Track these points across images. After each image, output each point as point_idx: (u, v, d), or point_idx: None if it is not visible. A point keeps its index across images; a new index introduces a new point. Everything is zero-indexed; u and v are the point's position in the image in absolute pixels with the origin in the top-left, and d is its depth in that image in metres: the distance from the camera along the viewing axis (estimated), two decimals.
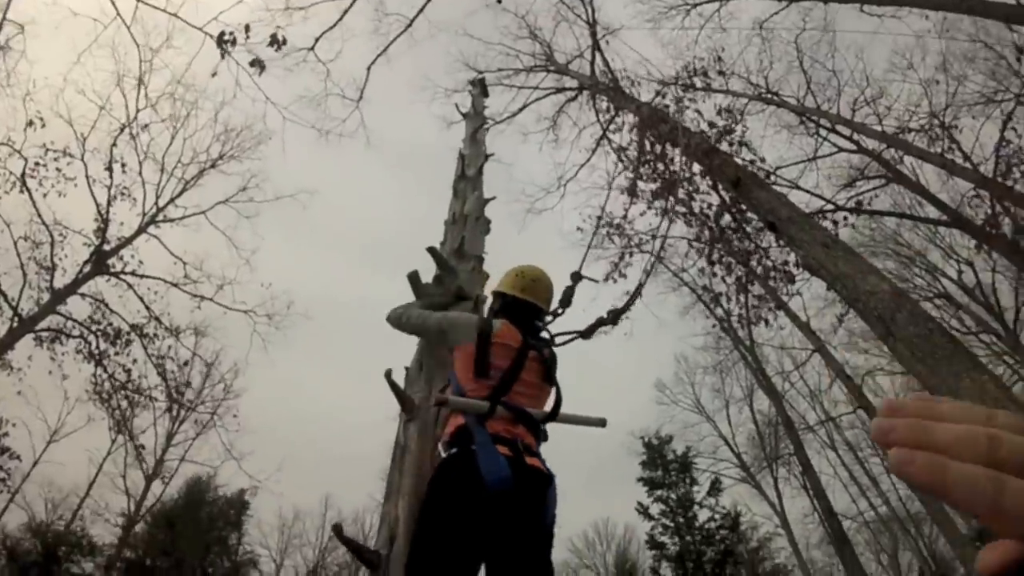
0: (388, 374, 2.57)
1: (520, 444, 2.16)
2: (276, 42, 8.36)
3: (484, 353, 2.38)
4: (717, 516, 19.64)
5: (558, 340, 2.65)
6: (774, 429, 23.96)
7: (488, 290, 3.15)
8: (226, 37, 7.92)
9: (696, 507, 19.82)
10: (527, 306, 2.66)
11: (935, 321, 5.43)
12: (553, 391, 2.47)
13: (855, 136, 15.00)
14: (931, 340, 5.12)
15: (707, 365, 26.05)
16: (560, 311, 2.83)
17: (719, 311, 19.67)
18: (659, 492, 20.64)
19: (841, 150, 15.58)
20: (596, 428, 2.48)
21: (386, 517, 2.27)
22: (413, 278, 3.08)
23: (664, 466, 21.12)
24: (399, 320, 2.78)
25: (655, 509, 20.33)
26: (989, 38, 15.05)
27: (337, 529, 2.10)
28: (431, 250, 3.38)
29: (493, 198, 4.79)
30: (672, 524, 19.55)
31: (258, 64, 8.41)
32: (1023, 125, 12.60)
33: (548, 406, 2.44)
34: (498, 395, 2.26)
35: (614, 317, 2.84)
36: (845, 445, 25.86)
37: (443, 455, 2.13)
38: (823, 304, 18.05)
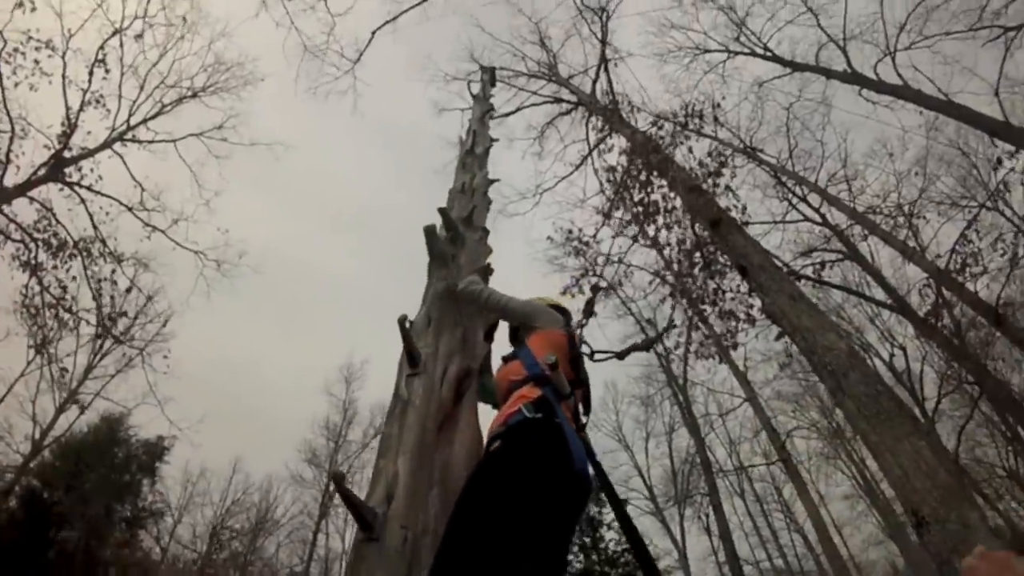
0: (402, 320, 2.55)
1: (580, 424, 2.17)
2: None
3: (573, 347, 2.45)
4: (624, 540, 19.95)
5: (596, 357, 2.69)
6: (689, 468, 24.64)
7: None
8: None
9: (604, 528, 20.10)
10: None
11: (885, 384, 5.71)
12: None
13: (823, 209, 15.70)
14: (878, 401, 5.39)
15: (636, 396, 26.75)
16: (584, 322, 2.90)
17: (660, 347, 20.22)
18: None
19: (807, 219, 16.27)
20: None
21: (382, 474, 2.12)
22: (430, 232, 3.09)
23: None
24: (479, 294, 2.75)
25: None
26: (968, 147, 16.03)
27: (338, 477, 1.88)
28: (442, 211, 3.41)
29: (497, 180, 4.84)
30: (579, 542, 19.76)
31: None
32: (984, 232, 13.34)
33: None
34: (575, 386, 2.29)
35: (647, 345, 2.95)
36: (753, 495, 26.81)
37: (525, 416, 2.01)
38: (760, 359, 18.77)
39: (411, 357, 2.49)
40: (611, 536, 19.94)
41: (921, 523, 4.65)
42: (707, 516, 24.88)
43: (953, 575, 4.42)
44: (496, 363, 2.65)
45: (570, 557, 19.99)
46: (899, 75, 13.00)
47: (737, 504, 26.55)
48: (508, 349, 2.64)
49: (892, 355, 19.90)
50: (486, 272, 3.31)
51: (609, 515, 20.86)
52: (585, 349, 2.70)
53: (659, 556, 22.99)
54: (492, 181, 4.75)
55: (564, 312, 2.83)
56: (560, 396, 2.17)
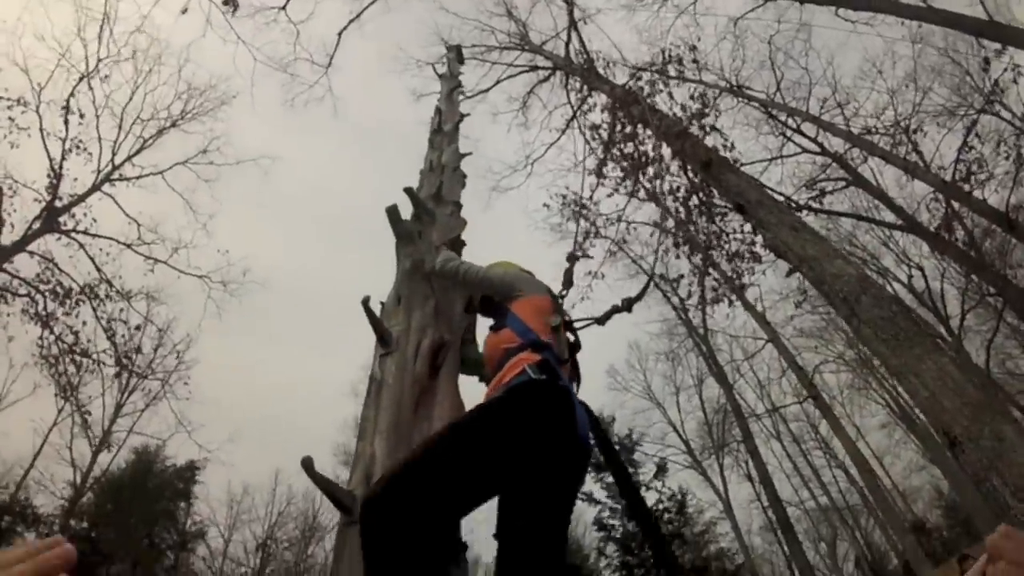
0: (365, 302, 2.47)
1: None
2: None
3: (558, 310, 2.42)
4: (664, 499, 19.99)
5: (576, 326, 2.60)
6: (722, 417, 24.54)
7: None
8: None
9: (643, 489, 20.11)
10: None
11: (899, 304, 5.57)
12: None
13: (820, 138, 15.36)
14: (895, 322, 5.24)
15: (660, 352, 26.59)
16: (564, 292, 2.80)
17: (675, 299, 20.05)
18: (604, 475, 20.83)
19: (805, 151, 15.90)
20: None
21: (361, 456, 2.10)
22: (392, 212, 2.99)
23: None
24: (456, 271, 2.64)
25: (600, 494, 20.52)
26: (957, 54, 15.58)
27: (307, 463, 1.86)
28: (408, 191, 3.31)
29: (469, 153, 4.72)
30: (618, 506, 19.80)
31: (231, 3, 8.10)
32: (984, 136, 13.00)
33: None
34: (574, 352, 2.30)
35: (628, 305, 2.83)
36: (790, 436, 26.70)
37: (530, 377, 1.95)
38: (778, 298, 18.55)
39: (381, 337, 2.42)
40: (652, 495, 20.04)
41: (954, 443, 4.50)
42: (746, 463, 24.87)
43: (992, 492, 4.30)
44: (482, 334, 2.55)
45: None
46: None
47: (775, 447, 26.48)
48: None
49: (911, 276, 19.61)
50: (455, 244, 3.20)
51: (647, 476, 20.95)
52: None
53: (703, 507, 23.09)
54: (464, 155, 4.63)
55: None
56: (559, 361, 2.14)
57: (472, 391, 2.35)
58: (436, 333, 2.52)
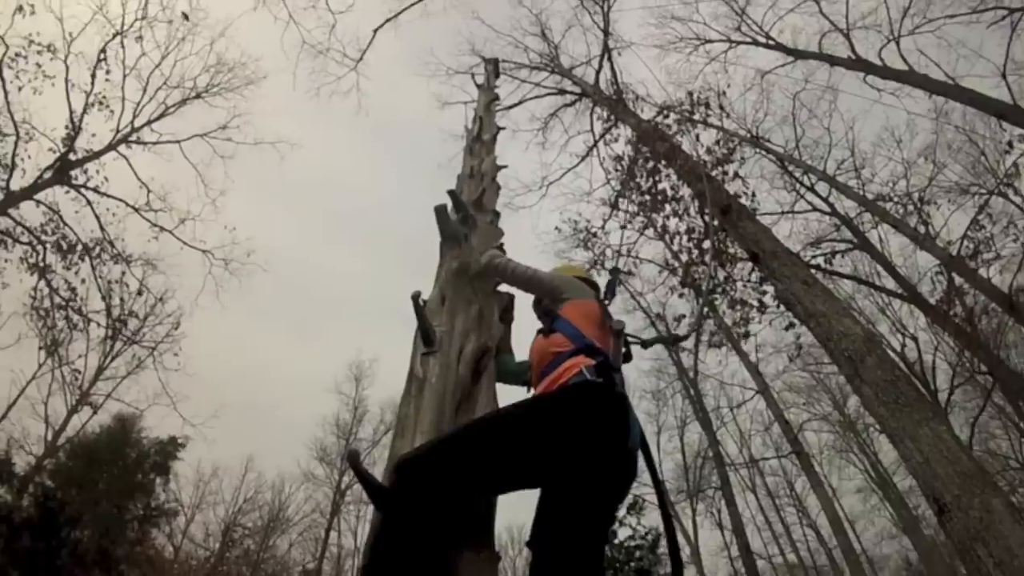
0: (416, 296, 2.49)
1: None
2: None
3: (608, 317, 2.43)
4: (637, 536, 19.92)
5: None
6: (701, 462, 24.53)
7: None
8: None
9: (617, 525, 20.06)
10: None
11: (902, 370, 5.63)
12: None
13: (832, 198, 15.56)
14: (896, 386, 5.31)
15: (647, 390, 26.62)
16: (607, 302, 2.82)
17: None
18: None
19: (815, 209, 16.11)
20: None
21: (397, 455, 1.98)
22: (440, 212, 3.04)
23: None
24: (504, 267, 2.70)
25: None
26: (975, 134, 15.86)
27: (353, 456, 1.81)
28: (452, 193, 3.37)
29: (505, 166, 4.80)
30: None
31: None
32: (995, 216, 13.21)
33: None
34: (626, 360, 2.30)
35: (674, 340, 2.96)
36: (764, 489, 26.66)
37: (586, 378, 1.94)
38: (771, 351, 18.65)
39: (426, 335, 2.42)
40: (624, 532, 19.94)
41: (943, 510, 4.57)
42: (719, 511, 24.80)
43: (975, 563, 4.34)
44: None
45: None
46: (904, 60, 12.86)
47: (749, 498, 26.42)
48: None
49: (903, 345, 19.66)
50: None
51: (621, 511, 20.85)
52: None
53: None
54: (501, 167, 4.71)
55: (592, 285, 2.79)
56: (614, 368, 2.12)
57: (509, 399, 2.37)
58: (479, 339, 2.54)
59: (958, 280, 13.31)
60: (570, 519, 1.73)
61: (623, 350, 2.46)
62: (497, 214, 3.81)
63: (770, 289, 8.32)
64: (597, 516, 1.79)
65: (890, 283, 16.19)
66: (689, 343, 15.19)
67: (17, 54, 13.44)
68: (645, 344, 2.80)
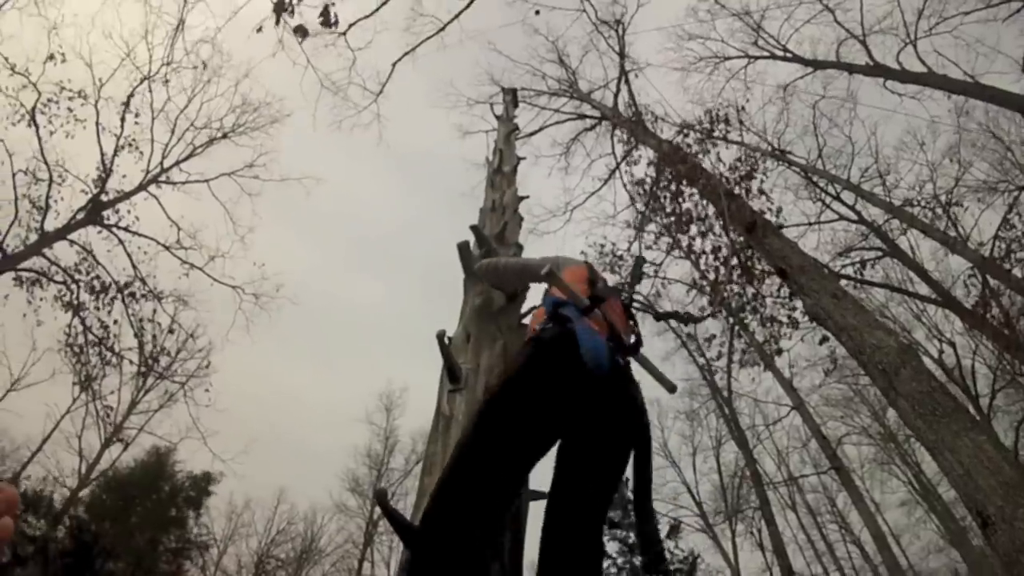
0: (441, 336, 2.51)
1: (619, 342, 2.18)
2: (327, 17, 8.27)
3: (593, 273, 2.52)
4: (676, 560, 19.56)
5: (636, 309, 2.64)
6: (738, 482, 24.04)
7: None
8: (285, 5, 7.92)
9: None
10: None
11: (938, 380, 5.49)
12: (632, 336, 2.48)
13: (858, 206, 15.35)
14: (933, 397, 5.18)
15: (680, 411, 26.22)
16: (630, 290, 2.85)
17: (701, 360, 19.91)
18: (617, 532, 20.51)
19: (842, 218, 15.90)
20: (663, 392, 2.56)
21: (427, 492, 2.04)
22: (463, 249, 3.07)
23: (623, 506, 21.02)
24: (496, 269, 2.76)
25: (612, 547, 20.21)
26: (999, 130, 15.57)
27: (380, 495, 1.86)
28: (474, 228, 3.40)
29: (527, 196, 4.81)
30: (629, 564, 19.42)
31: (301, 31, 8.42)
32: None
33: None
34: (597, 301, 2.26)
35: (687, 319, 3.04)
36: (805, 507, 25.99)
37: (537, 329, 2.08)
38: (806, 364, 18.30)
39: (452, 373, 2.45)
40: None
41: (987, 523, 4.43)
42: (759, 531, 24.23)
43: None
44: None
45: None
46: (922, 62, 12.75)
47: (790, 517, 25.77)
48: None
49: (941, 352, 19.20)
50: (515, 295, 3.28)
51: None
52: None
53: (712, 574, 22.52)
54: (522, 198, 4.74)
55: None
56: (581, 311, 2.15)
57: None
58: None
59: (992, 282, 13.00)
60: (568, 466, 1.90)
61: (630, 319, 2.54)
62: (520, 247, 3.83)
63: (800, 304, 8.19)
64: (594, 459, 1.93)
65: (923, 289, 15.88)
66: (722, 363, 15.03)
67: (49, 100, 13.94)
68: (658, 316, 2.90)
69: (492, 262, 2.84)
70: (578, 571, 1.78)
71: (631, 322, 2.51)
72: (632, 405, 2.00)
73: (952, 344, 18.68)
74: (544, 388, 1.88)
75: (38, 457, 21.02)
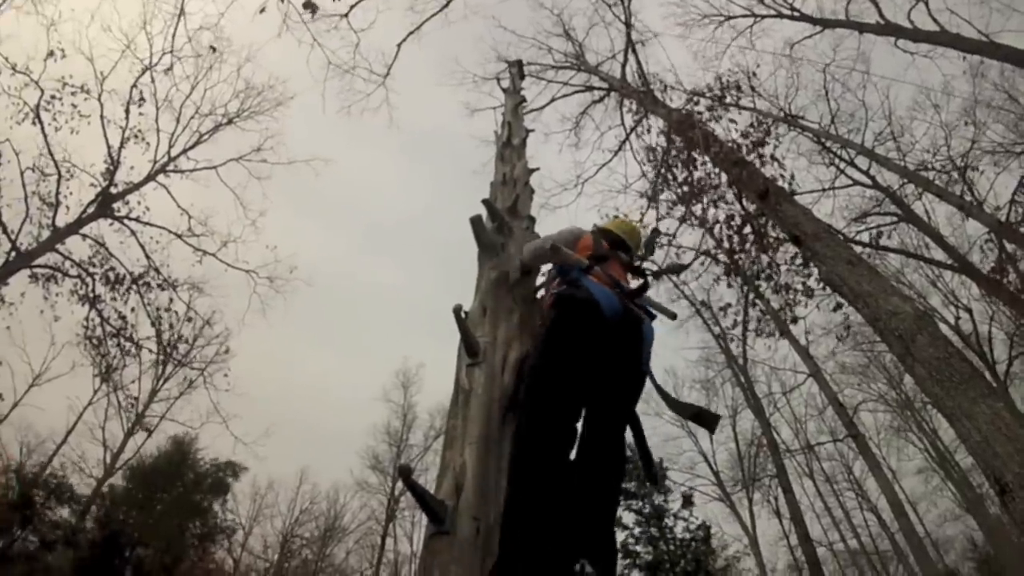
0: (457, 310, 2.51)
1: (620, 288, 2.62)
2: None
3: (597, 243, 2.95)
4: (691, 528, 19.72)
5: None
6: (755, 450, 24.10)
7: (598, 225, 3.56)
8: None
9: (670, 518, 19.87)
10: (622, 242, 3.26)
11: (955, 347, 5.43)
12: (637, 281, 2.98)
13: (872, 171, 15.13)
14: (950, 364, 5.11)
15: (696, 380, 26.23)
16: (645, 256, 3.09)
17: (716, 328, 19.84)
18: (632, 502, 20.69)
19: (857, 183, 15.69)
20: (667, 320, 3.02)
21: (449, 466, 2.10)
22: (476, 223, 3.06)
23: (638, 477, 21.18)
24: (535, 253, 2.99)
25: (629, 519, 20.39)
26: (1015, 91, 15.23)
27: (405, 471, 1.90)
28: (486, 202, 3.38)
29: (537, 168, 4.78)
30: (646, 534, 19.56)
31: (311, 7, 8.32)
32: None
33: None
34: (596, 261, 2.72)
35: (676, 269, 3.37)
36: (822, 475, 26.05)
37: (554, 293, 2.52)
38: (821, 332, 18.21)
39: (469, 347, 2.45)
40: (680, 524, 19.77)
41: (1005, 490, 4.37)
42: (776, 499, 24.34)
43: None
44: None
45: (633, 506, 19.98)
46: (935, 20, 12.44)
47: (807, 485, 25.82)
48: None
49: (958, 318, 19.05)
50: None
51: (675, 504, 20.68)
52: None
53: (728, 542, 22.68)
54: (532, 170, 4.70)
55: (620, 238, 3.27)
56: (580, 270, 2.60)
57: None
58: (522, 346, 2.55)
59: (1009, 247, 12.83)
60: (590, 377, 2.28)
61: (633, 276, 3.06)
62: (532, 219, 3.81)
63: (815, 271, 8.11)
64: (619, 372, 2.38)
65: (939, 254, 15.68)
66: (737, 331, 14.96)
67: (53, 96, 13.93)
68: (656, 273, 3.20)
69: (530, 251, 3.04)
70: (607, 466, 2.21)
71: (631, 275, 3.02)
72: (640, 336, 2.49)
73: (969, 310, 18.54)
74: (575, 329, 2.30)
75: (63, 449, 21.46)
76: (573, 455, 2.12)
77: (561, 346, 2.25)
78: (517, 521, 1.85)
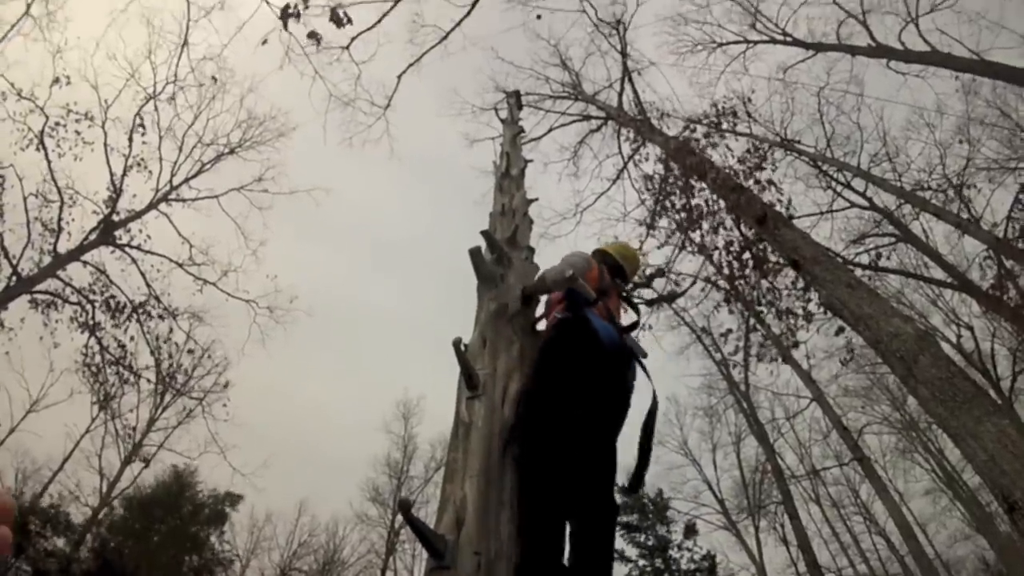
0: (457, 343, 2.51)
1: (616, 323, 2.86)
2: (338, 20, 8.22)
3: (602, 276, 3.14)
4: (695, 558, 19.46)
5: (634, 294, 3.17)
6: (760, 477, 23.86)
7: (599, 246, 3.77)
8: (290, 10, 7.91)
9: (674, 550, 19.64)
10: (620, 268, 3.50)
11: (957, 366, 5.41)
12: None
13: (869, 193, 15.21)
14: (953, 383, 5.09)
15: (699, 407, 26.04)
16: (636, 285, 3.20)
17: (717, 355, 19.79)
18: (635, 535, 20.50)
19: (854, 205, 15.77)
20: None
21: (450, 499, 2.08)
22: (476, 255, 3.08)
23: (641, 509, 20.99)
24: (556, 279, 3.06)
25: (632, 552, 20.17)
26: (1007, 107, 15.36)
27: (404, 505, 1.87)
28: (485, 233, 3.41)
29: (536, 199, 4.81)
30: (651, 567, 19.33)
31: (315, 36, 8.41)
32: None
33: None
34: (601, 295, 2.92)
35: (671, 297, 3.60)
36: (829, 500, 25.75)
37: (558, 318, 2.75)
38: (823, 356, 18.15)
39: (469, 379, 2.45)
40: (682, 555, 19.55)
41: (1013, 508, 4.33)
42: (782, 526, 24.04)
43: None
44: None
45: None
46: (925, 41, 12.65)
47: (813, 510, 25.49)
48: None
49: (959, 336, 18.98)
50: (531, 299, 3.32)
51: (677, 535, 20.45)
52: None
53: (735, 571, 22.39)
54: (531, 200, 4.73)
55: (616, 263, 3.51)
56: (584, 303, 2.79)
57: None
58: (522, 378, 2.55)
59: (1008, 262, 12.85)
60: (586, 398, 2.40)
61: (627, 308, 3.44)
62: (532, 250, 3.83)
63: (815, 296, 8.12)
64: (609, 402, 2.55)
65: (938, 273, 15.71)
66: (738, 357, 14.93)
67: (57, 123, 14.06)
68: (649, 303, 3.40)
69: (562, 276, 3.05)
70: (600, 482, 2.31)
71: (626, 309, 3.32)
72: (630, 369, 2.72)
73: (970, 328, 18.50)
74: (571, 353, 2.48)
75: (59, 477, 21.27)
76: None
77: (558, 365, 2.44)
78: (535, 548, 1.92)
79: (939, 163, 15.09)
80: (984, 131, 15.33)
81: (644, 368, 2.76)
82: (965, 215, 13.48)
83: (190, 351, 15.78)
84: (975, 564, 26.75)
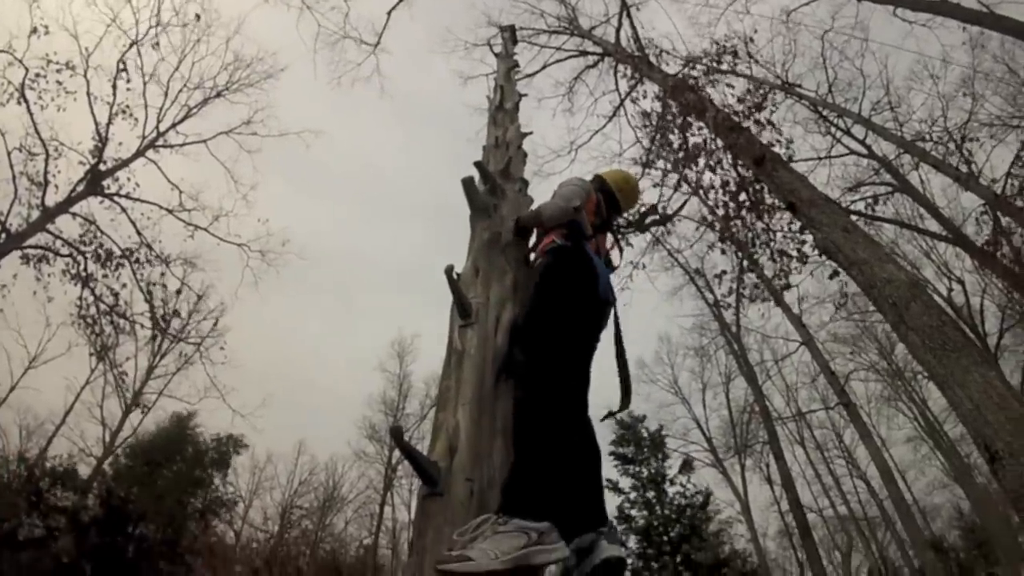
0: (449, 271, 2.47)
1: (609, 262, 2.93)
2: None
3: (599, 209, 3.06)
4: (688, 493, 19.99)
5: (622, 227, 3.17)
6: (747, 418, 24.37)
7: (599, 171, 3.64)
8: None
9: (668, 484, 20.15)
10: (614, 199, 3.38)
11: (948, 315, 5.44)
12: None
13: (869, 141, 15.04)
14: (943, 332, 5.12)
15: (690, 347, 26.40)
16: (627, 219, 3.15)
17: (710, 295, 19.90)
18: (630, 467, 20.97)
19: (853, 152, 15.63)
20: None
21: (442, 427, 2.06)
22: (468, 184, 3.01)
23: (637, 443, 21.43)
24: (558, 213, 2.89)
25: (626, 483, 20.69)
26: (1015, 63, 15.06)
27: (397, 432, 1.85)
28: (478, 164, 3.33)
29: (530, 132, 4.73)
30: (642, 499, 19.84)
31: None
32: None
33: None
34: (597, 230, 2.90)
35: (665, 219, 3.54)
36: (813, 442, 26.43)
37: (556, 244, 2.66)
38: (815, 301, 18.29)
39: (462, 308, 2.43)
40: (675, 490, 20.05)
41: (995, 458, 4.40)
42: (768, 466, 24.70)
43: None
44: None
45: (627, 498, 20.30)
46: None
47: (798, 452, 26.20)
48: None
49: (951, 290, 19.15)
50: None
51: (672, 470, 20.94)
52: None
53: (720, 507, 23.04)
54: (525, 134, 4.64)
55: (612, 193, 3.39)
56: (583, 236, 2.73)
57: None
58: (515, 307, 2.53)
59: (1004, 220, 12.83)
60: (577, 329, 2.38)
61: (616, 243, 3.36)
62: (526, 182, 3.77)
63: (810, 238, 8.08)
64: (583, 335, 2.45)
65: (933, 225, 15.71)
66: (731, 298, 14.97)
67: (37, 75, 13.62)
68: (640, 225, 3.36)
69: (558, 211, 2.92)
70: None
71: (613, 246, 3.28)
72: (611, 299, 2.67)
73: (961, 282, 18.65)
74: (570, 281, 2.45)
75: (62, 430, 21.65)
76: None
77: (558, 289, 2.40)
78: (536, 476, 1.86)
79: (941, 115, 14.88)
80: (989, 86, 15.08)
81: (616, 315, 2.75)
82: (964, 169, 13.38)
83: (179, 292, 15.70)
84: (950, 512, 27.73)
